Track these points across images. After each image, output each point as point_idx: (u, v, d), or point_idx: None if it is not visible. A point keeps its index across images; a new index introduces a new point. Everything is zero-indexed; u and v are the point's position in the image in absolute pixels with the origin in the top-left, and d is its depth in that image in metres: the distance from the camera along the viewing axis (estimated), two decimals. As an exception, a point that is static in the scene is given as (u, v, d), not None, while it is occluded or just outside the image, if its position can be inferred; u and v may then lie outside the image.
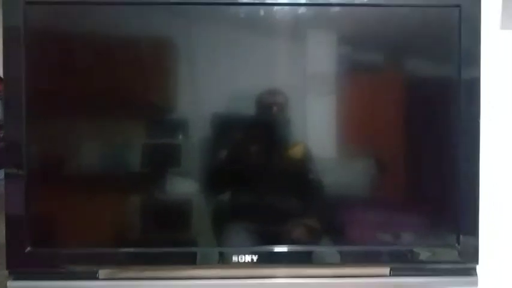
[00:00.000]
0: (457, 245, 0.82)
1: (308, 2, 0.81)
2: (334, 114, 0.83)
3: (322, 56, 0.82)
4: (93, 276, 0.80)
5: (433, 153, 0.83)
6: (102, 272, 0.81)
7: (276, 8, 0.81)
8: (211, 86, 0.81)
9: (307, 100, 0.83)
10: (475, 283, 0.83)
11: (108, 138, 0.82)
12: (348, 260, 0.83)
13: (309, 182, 0.83)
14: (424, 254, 0.83)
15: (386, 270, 0.83)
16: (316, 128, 0.83)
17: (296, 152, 0.82)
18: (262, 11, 0.81)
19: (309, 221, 0.83)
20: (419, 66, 0.83)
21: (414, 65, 0.83)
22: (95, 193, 0.82)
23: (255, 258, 0.80)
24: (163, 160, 0.82)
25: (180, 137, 0.82)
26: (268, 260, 0.81)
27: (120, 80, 0.81)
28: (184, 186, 0.82)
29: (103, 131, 0.81)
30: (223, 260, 0.81)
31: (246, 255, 0.80)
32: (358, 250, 0.83)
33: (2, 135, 0.82)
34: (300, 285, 0.82)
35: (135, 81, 0.81)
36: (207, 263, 0.82)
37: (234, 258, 0.80)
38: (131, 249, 0.81)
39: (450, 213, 0.83)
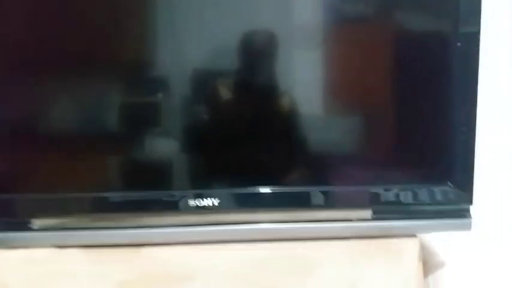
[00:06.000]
0: (448, 183, 0.73)
1: None
2: (323, 66, 0.74)
3: (310, 4, 0.73)
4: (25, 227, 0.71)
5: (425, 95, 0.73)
6: (35, 222, 0.71)
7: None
8: (192, 37, 0.71)
9: (295, 51, 0.73)
10: (468, 226, 0.75)
11: (72, 92, 0.72)
12: (325, 202, 0.73)
13: (293, 135, 0.75)
14: (410, 194, 0.73)
15: (367, 213, 0.73)
16: (304, 80, 0.74)
17: (281, 105, 0.74)
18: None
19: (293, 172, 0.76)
20: (414, 18, 0.72)
21: (408, 17, 0.72)
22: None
23: (216, 202, 0.71)
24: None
25: (160, 94, 0.73)
26: (234, 203, 0.72)
27: (92, 31, 0.70)
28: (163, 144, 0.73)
29: (65, 83, 0.71)
30: (182, 206, 0.71)
31: (207, 198, 0.71)
32: (334, 191, 0.74)
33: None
34: (271, 231, 0.73)
35: (108, 33, 0.71)
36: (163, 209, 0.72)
37: (191, 202, 0.71)
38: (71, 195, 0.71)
39: (441, 146, 0.73)
